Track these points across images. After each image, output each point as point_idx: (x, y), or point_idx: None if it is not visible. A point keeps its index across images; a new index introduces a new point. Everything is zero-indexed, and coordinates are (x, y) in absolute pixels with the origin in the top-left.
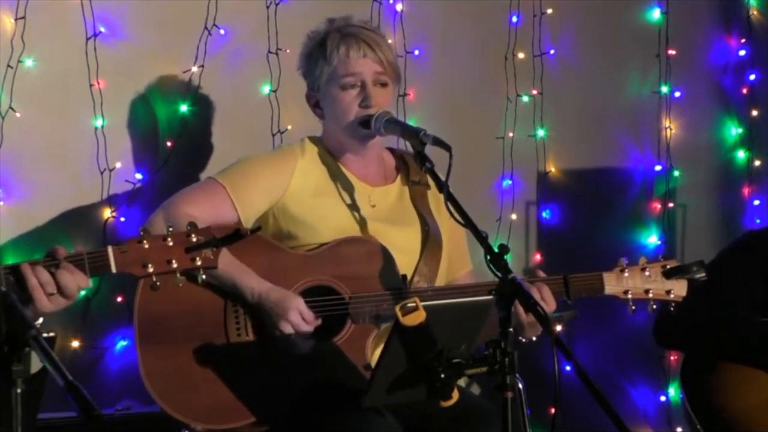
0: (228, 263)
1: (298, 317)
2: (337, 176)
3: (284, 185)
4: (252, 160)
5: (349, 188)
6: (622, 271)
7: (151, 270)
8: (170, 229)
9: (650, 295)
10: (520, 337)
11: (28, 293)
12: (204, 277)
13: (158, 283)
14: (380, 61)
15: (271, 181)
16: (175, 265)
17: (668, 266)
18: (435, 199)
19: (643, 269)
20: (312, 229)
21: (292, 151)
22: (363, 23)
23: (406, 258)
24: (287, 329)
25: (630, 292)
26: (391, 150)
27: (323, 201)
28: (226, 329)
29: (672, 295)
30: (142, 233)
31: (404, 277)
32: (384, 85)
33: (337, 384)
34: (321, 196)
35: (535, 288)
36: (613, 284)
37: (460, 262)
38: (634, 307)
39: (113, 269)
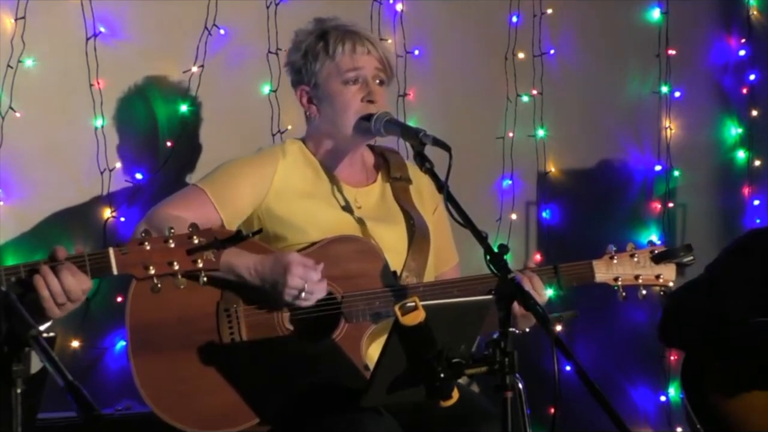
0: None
1: (301, 267)
2: (321, 177)
3: (266, 187)
4: (233, 164)
5: (334, 189)
6: (612, 258)
7: (152, 272)
8: (171, 230)
9: (640, 281)
10: (513, 329)
11: (40, 304)
12: (205, 279)
13: (159, 285)
14: (381, 59)
15: (252, 183)
16: (176, 267)
17: (656, 251)
18: (417, 193)
19: (632, 255)
20: (299, 230)
21: (273, 153)
22: (352, 24)
23: (395, 255)
24: (297, 283)
25: (620, 279)
26: (371, 147)
27: (309, 202)
28: (220, 334)
29: (661, 280)
30: (143, 235)
31: (394, 273)
32: (382, 83)
33: (334, 383)
34: (306, 197)
35: (526, 278)
36: (603, 272)
37: (446, 257)
38: (624, 294)
39: (114, 271)
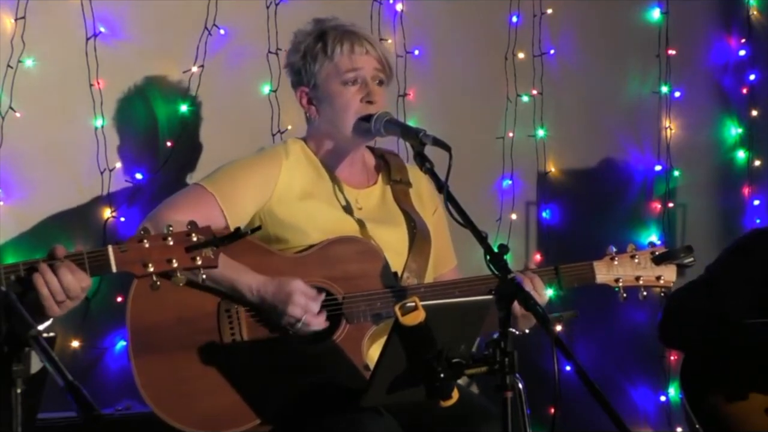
0: (224, 264)
1: (303, 297)
2: (323, 177)
3: (270, 190)
4: (238, 165)
5: (336, 189)
6: (612, 259)
7: (151, 269)
8: (170, 228)
9: (641, 282)
10: (513, 329)
11: (40, 302)
12: (204, 276)
13: (158, 283)
14: (380, 59)
15: (258, 185)
16: (175, 265)
17: (657, 252)
18: (417, 196)
19: (633, 256)
20: (301, 232)
21: (276, 154)
22: (351, 24)
23: (395, 257)
24: (297, 312)
25: (621, 280)
26: (371, 149)
27: (310, 203)
28: (221, 334)
29: (662, 281)
30: (142, 233)
31: (395, 274)
32: (381, 83)
33: (335, 384)
34: (308, 199)
35: (527, 278)
36: (604, 273)
37: (445, 259)
38: (625, 295)
39: (113, 268)
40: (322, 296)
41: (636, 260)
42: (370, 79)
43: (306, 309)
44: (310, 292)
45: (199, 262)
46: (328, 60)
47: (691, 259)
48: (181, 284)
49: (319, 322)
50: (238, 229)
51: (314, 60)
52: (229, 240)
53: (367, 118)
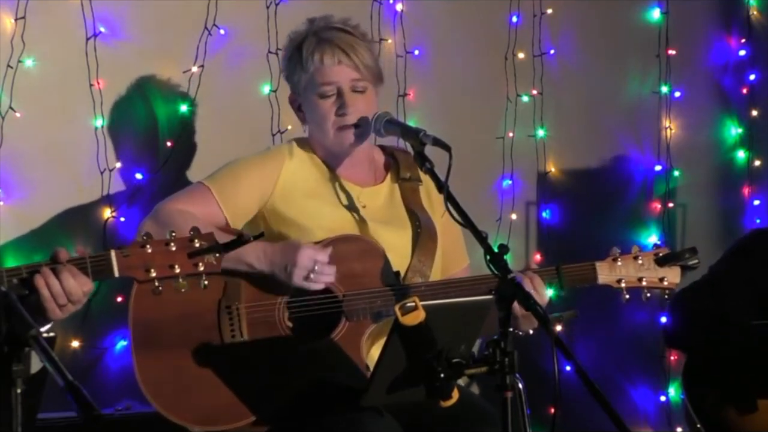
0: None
1: (311, 249)
2: (326, 178)
3: (271, 186)
4: (239, 163)
5: (339, 189)
6: (615, 260)
7: (153, 275)
8: (173, 233)
9: (643, 284)
10: (515, 330)
11: (41, 305)
12: (206, 283)
13: (160, 288)
14: (356, 67)
15: (257, 182)
16: (177, 271)
17: (660, 254)
18: (427, 194)
19: (636, 257)
20: (303, 230)
21: (280, 153)
22: (342, 23)
23: (398, 257)
24: (307, 263)
25: (623, 280)
26: (382, 147)
27: (313, 202)
28: (221, 331)
29: (665, 283)
30: (144, 237)
31: (397, 273)
32: (363, 90)
33: (334, 383)
34: (311, 197)
35: (527, 278)
36: (606, 273)
37: (456, 258)
38: (627, 296)
39: (115, 273)
40: (329, 248)
41: (639, 261)
42: (346, 89)
43: (315, 258)
44: (317, 247)
45: (202, 268)
46: (304, 72)
47: (696, 260)
48: (182, 290)
49: (330, 272)
50: (241, 234)
51: (294, 70)
52: (232, 246)
53: (358, 124)
